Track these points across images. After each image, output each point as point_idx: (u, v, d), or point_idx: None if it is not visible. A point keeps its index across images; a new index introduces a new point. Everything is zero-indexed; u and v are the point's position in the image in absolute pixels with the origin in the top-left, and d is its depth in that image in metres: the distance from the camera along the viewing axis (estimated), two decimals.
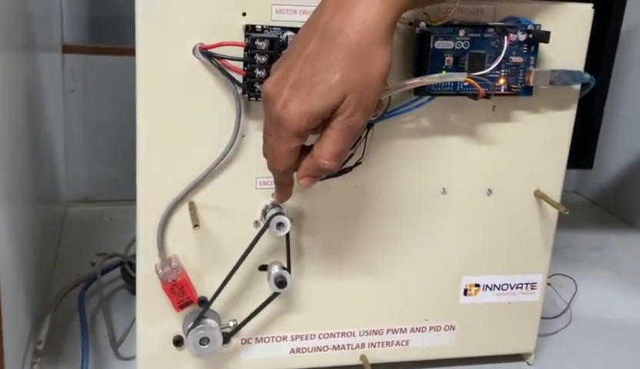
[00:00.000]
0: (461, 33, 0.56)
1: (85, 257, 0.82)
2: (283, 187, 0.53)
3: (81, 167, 1.01)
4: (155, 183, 0.55)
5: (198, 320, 0.58)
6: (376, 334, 0.64)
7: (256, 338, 0.61)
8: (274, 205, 0.57)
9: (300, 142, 0.48)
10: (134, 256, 0.77)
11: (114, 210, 0.99)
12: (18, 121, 0.59)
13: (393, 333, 0.65)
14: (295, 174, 0.51)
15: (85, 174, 1.02)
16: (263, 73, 0.53)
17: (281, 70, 0.47)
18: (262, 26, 0.53)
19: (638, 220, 1.10)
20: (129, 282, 0.77)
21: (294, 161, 0.49)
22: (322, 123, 0.47)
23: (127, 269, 0.77)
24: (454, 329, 0.66)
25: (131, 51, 0.96)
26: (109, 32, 1.04)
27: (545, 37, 0.57)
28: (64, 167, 0.98)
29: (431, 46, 0.56)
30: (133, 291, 0.75)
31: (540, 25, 0.58)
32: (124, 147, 0.97)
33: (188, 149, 0.55)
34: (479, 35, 0.56)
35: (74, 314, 0.71)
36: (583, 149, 0.96)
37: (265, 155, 0.50)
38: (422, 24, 0.55)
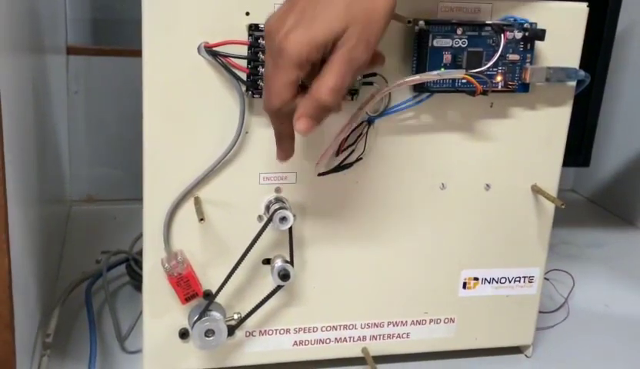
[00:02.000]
0: (459, 31, 0.57)
1: (89, 255, 0.83)
2: (283, 139, 0.53)
3: (85, 167, 1.03)
4: (161, 179, 0.57)
5: (204, 312, 0.59)
6: (377, 326, 0.66)
7: (260, 331, 0.63)
8: (277, 200, 0.59)
9: (299, 75, 0.47)
10: (139, 253, 0.78)
11: (117, 209, 1.01)
12: (27, 121, 0.61)
13: (394, 326, 0.66)
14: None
15: (88, 173, 1.03)
16: None
17: (285, 6, 0.48)
18: None
19: (634, 217, 1.11)
20: (134, 279, 0.78)
21: (291, 95, 0.48)
22: (321, 62, 0.47)
23: (132, 266, 0.78)
24: (453, 322, 0.67)
25: (133, 53, 0.98)
26: (112, 34, 1.05)
27: (540, 35, 0.59)
28: (68, 167, 0.99)
29: (430, 44, 0.57)
30: (138, 288, 0.77)
31: (536, 24, 0.59)
32: (127, 147, 1.00)
33: (193, 145, 0.56)
34: (477, 34, 0.58)
35: (80, 309, 0.72)
36: (580, 147, 0.98)
37: (264, 104, 0.50)
38: (421, 22, 0.57)
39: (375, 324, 0.65)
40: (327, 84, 0.47)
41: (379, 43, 0.48)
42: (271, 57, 0.48)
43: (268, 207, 0.59)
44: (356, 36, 0.46)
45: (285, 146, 0.54)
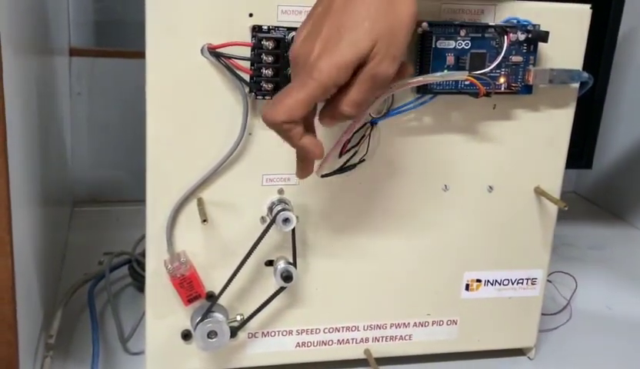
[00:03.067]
0: (462, 33, 0.57)
1: (92, 257, 0.83)
2: (303, 162, 0.52)
3: (88, 168, 1.03)
4: (164, 180, 0.57)
5: (206, 314, 0.59)
6: (380, 328, 0.66)
7: (262, 332, 0.63)
8: (280, 201, 0.59)
9: (321, 96, 0.47)
10: (141, 254, 0.78)
11: (120, 210, 1.01)
12: (30, 123, 0.61)
13: (396, 327, 0.66)
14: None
15: (91, 175, 1.03)
16: (270, 72, 0.54)
17: (307, 29, 0.48)
18: (268, 27, 0.54)
19: (636, 219, 1.11)
20: (137, 280, 0.78)
21: (301, 114, 0.47)
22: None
23: (134, 267, 0.78)
24: (456, 323, 0.67)
25: (135, 54, 0.98)
26: (114, 36, 1.06)
27: (544, 37, 0.59)
28: (71, 168, 0.99)
29: (433, 46, 0.57)
30: (140, 289, 0.77)
31: (539, 25, 0.59)
32: (129, 148, 1.00)
33: (196, 147, 0.56)
34: (480, 35, 0.58)
35: (83, 310, 0.72)
36: (582, 149, 0.98)
37: (267, 113, 0.48)
38: (424, 24, 0.57)
39: (377, 325, 0.65)
40: (350, 98, 0.48)
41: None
42: (297, 75, 0.48)
43: (270, 209, 0.59)
44: (383, 52, 0.47)
45: (304, 166, 0.52)
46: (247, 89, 0.55)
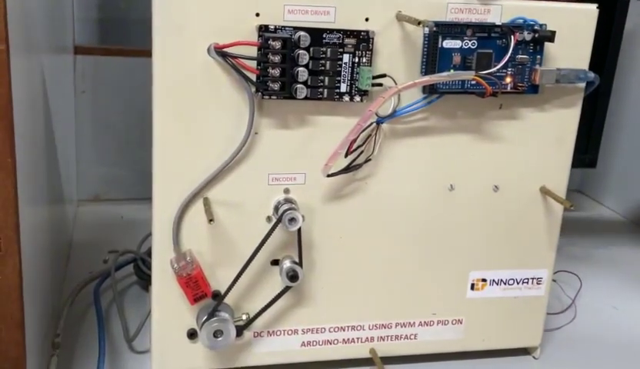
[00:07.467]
0: (469, 33, 0.57)
1: (97, 255, 0.83)
2: None
3: (92, 166, 1.03)
4: (170, 179, 0.57)
5: (212, 313, 0.59)
6: (385, 327, 0.66)
7: (268, 331, 0.63)
8: (286, 201, 0.59)
9: None
10: (146, 253, 0.79)
11: (124, 208, 1.01)
12: (37, 122, 0.61)
13: (402, 327, 0.66)
14: None
15: (95, 173, 1.03)
16: (276, 72, 0.54)
17: None
18: (275, 26, 0.54)
19: None
20: (142, 278, 0.78)
21: None
22: None
23: (140, 265, 0.78)
24: (461, 323, 0.67)
25: (141, 53, 0.98)
26: (119, 34, 1.06)
27: (550, 36, 0.59)
28: (75, 167, 0.99)
29: (440, 45, 0.57)
30: (145, 288, 0.77)
31: (546, 25, 0.59)
32: (134, 146, 1.00)
33: (202, 146, 0.56)
34: (486, 35, 0.58)
35: (88, 309, 0.72)
36: (587, 148, 0.98)
37: None
38: (430, 23, 0.57)
39: (382, 325, 0.65)
40: None
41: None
42: None
43: (276, 208, 0.59)
44: None
45: None
46: (253, 89, 0.55)
